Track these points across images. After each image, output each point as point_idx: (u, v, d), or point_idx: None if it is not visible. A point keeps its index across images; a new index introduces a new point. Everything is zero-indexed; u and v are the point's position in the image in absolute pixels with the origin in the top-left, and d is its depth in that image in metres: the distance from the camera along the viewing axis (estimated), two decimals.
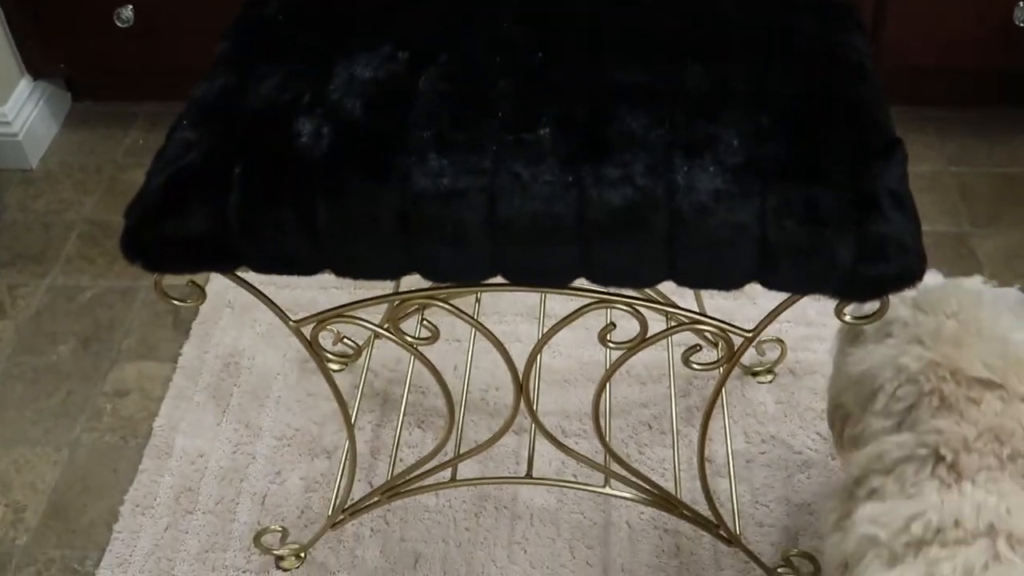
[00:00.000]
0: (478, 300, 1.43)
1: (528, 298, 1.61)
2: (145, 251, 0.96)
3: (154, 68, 1.98)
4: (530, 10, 1.07)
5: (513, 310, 1.61)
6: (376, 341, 1.55)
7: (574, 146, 0.92)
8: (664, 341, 1.46)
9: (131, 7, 1.84)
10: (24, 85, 1.97)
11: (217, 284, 1.70)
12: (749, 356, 1.53)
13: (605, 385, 1.09)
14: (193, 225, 0.93)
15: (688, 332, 1.15)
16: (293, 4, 1.12)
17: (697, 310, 1.20)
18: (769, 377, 1.51)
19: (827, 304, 1.61)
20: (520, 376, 1.10)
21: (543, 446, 1.42)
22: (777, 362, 1.51)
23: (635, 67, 0.98)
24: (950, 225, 1.76)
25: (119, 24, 1.84)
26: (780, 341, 1.49)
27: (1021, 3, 1.71)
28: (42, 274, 1.77)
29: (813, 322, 1.57)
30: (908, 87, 1.92)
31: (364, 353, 1.53)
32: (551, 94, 0.96)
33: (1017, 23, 1.72)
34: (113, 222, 1.85)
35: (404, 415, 1.44)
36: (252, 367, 1.58)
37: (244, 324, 1.64)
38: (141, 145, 2.02)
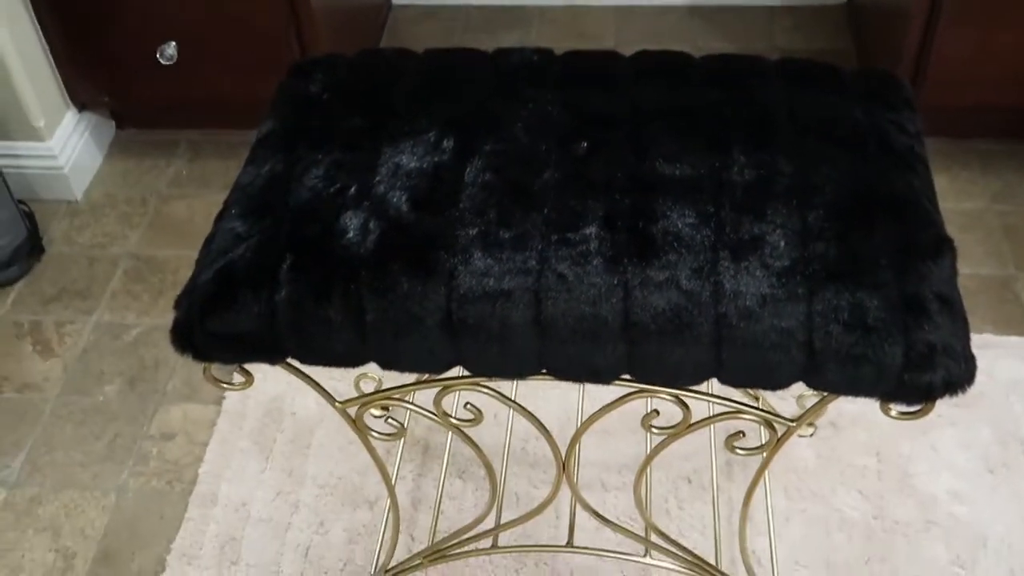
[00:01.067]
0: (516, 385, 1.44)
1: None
2: (195, 345, 0.97)
3: (196, 101, 2.00)
4: (575, 89, 1.07)
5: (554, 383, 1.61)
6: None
7: (620, 245, 0.92)
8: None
9: (175, 44, 1.85)
10: (70, 118, 1.99)
11: None
12: (790, 407, 1.52)
13: (646, 468, 1.10)
14: (242, 322, 0.94)
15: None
16: (338, 80, 1.12)
17: (739, 400, 1.20)
18: (810, 431, 1.51)
19: None
20: (563, 456, 1.11)
21: (582, 515, 1.43)
22: (818, 415, 1.51)
23: (680, 155, 0.98)
24: (995, 268, 1.74)
25: (162, 61, 1.86)
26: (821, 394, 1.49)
27: None
28: (88, 311, 1.80)
29: None
30: (952, 120, 1.90)
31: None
32: (597, 188, 0.96)
33: None
34: (157, 257, 1.88)
35: (447, 466, 1.45)
36: (295, 412, 1.60)
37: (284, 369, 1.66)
38: (185, 176, 2.03)
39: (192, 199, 1.98)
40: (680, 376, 0.94)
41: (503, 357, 0.94)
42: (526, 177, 0.98)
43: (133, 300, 1.82)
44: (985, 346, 1.59)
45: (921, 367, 0.88)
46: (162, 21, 1.83)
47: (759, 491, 1.41)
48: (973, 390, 1.54)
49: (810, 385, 0.93)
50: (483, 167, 0.99)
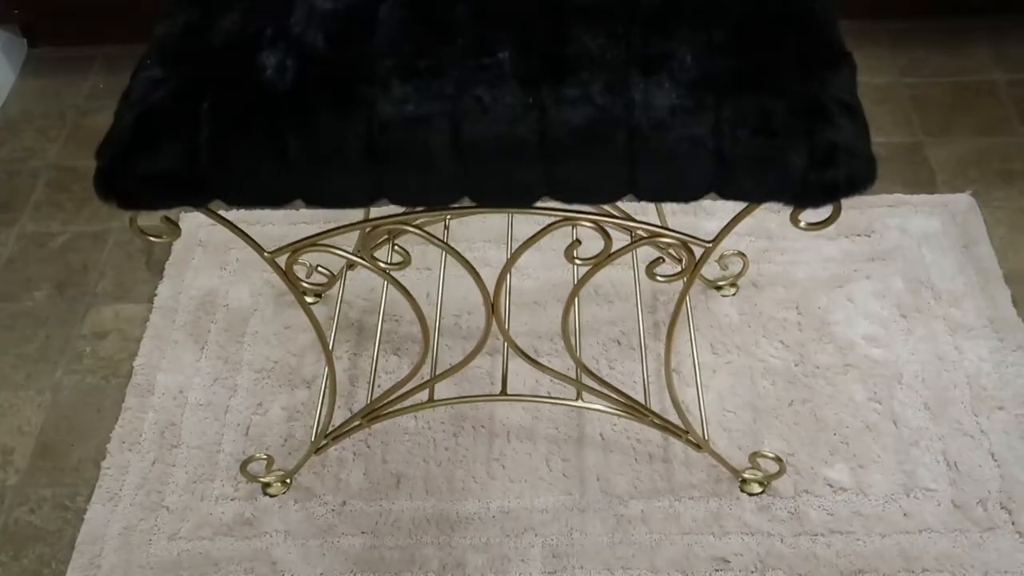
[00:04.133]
0: (447, 227, 1.46)
1: (495, 224, 1.64)
2: (119, 190, 0.97)
3: (112, 8, 1.97)
4: None
5: (481, 236, 1.64)
6: (348, 273, 1.58)
7: (534, 68, 0.94)
8: (629, 260, 1.51)
9: None
10: None
11: (189, 224, 1.72)
12: (712, 271, 1.57)
13: (574, 300, 1.13)
14: (165, 161, 0.95)
15: (652, 248, 1.19)
16: None
17: (659, 223, 1.23)
18: (732, 290, 1.56)
19: (786, 217, 1.66)
20: (491, 296, 1.14)
21: (516, 366, 1.47)
22: (740, 275, 1.56)
23: None
24: (904, 135, 1.80)
25: None
26: (742, 255, 1.54)
27: None
28: (11, 222, 1.78)
29: (774, 235, 1.62)
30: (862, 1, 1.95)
31: (337, 285, 1.56)
32: (509, 18, 0.98)
33: None
34: (80, 167, 1.86)
35: (380, 343, 1.48)
36: (227, 304, 1.61)
37: (217, 263, 1.67)
38: (102, 89, 2.01)
39: (112, 110, 1.95)
40: (598, 192, 0.97)
41: (425, 184, 0.96)
42: (439, 12, 1.00)
43: (57, 209, 1.80)
44: (898, 204, 1.66)
45: (824, 165, 0.91)
46: None
47: (686, 346, 1.46)
48: (887, 244, 1.61)
49: (721, 194, 0.96)
50: (396, 4, 1.00)
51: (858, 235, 1.61)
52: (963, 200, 1.66)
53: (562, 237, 1.60)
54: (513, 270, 1.60)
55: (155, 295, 1.64)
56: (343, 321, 1.57)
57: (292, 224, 1.67)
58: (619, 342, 1.51)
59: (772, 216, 1.64)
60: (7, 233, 1.77)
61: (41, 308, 1.65)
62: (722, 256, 1.55)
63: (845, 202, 1.69)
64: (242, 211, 1.01)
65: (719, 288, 1.56)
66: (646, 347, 1.46)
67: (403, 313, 1.56)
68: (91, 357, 1.58)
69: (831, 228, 1.61)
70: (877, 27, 1.99)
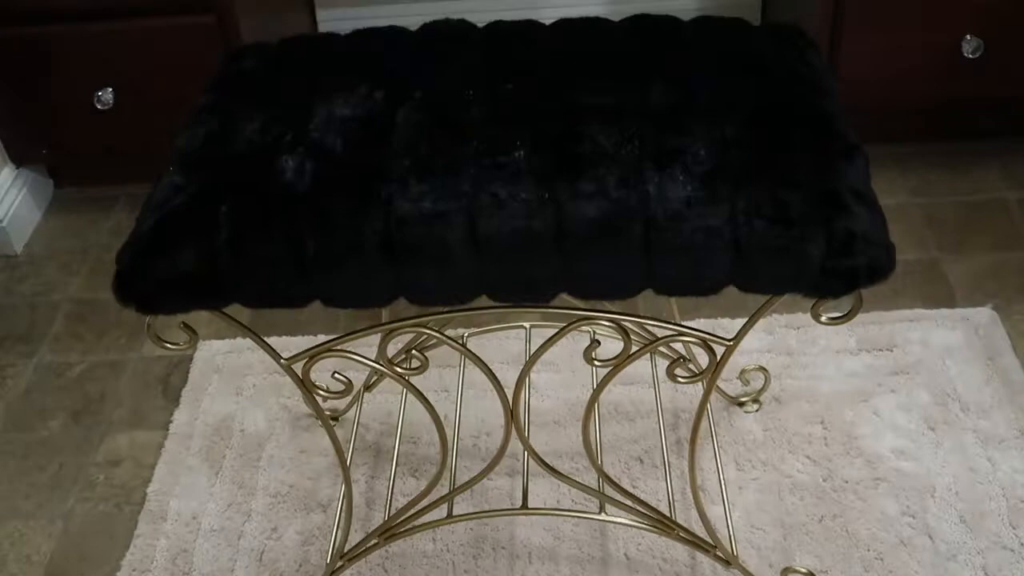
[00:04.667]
0: (464, 344, 1.45)
1: (513, 345, 1.64)
2: (137, 293, 0.98)
3: (136, 148, 2.02)
4: (498, 46, 1.12)
5: (499, 358, 1.63)
6: (366, 396, 1.57)
7: (548, 165, 0.96)
8: (650, 377, 1.49)
9: (111, 89, 1.88)
10: (7, 173, 2.00)
11: (205, 352, 1.72)
12: (734, 387, 1.55)
13: (594, 404, 1.11)
14: (184, 264, 0.96)
15: (670, 354, 1.18)
16: (270, 56, 1.16)
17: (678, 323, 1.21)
18: (755, 406, 1.53)
19: (807, 332, 1.65)
20: (510, 402, 1.12)
21: (536, 487, 1.44)
22: (762, 391, 1.54)
23: (602, 89, 1.02)
24: (920, 252, 1.80)
25: (99, 107, 1.89)
26: (763, 369, 1.52)
27: (968, 37, 1.79)
28: (30, 353, 1.79)
29: (794, 351, 1.60)
30: (866, 125, 1.97)
31: (354, 408, 1.54)
32: (523, 119, 1.00)
33: (966, 55, 1.80)
34: (100, 299, 1.88)
35: (397, 464, 1.45)
36: (243, 429, 1.59)
37: (233, 389, 1.65)
38: (125, 227, 2.04)
39: None
40: (615, 286, 0.97)
41: (442, 280, 0.96)
42: (455, 114, 1.02)
43: (76, 341, 1.81)
44: (918, 319, 1.65)
45: (843, 253, 0.91)
46: (97, 67, 1.87)
47: (710, 463, 1.43)
48: (910, 358, 1.59)
49: (740, 287, 0.96)
50: (413, 109, 1.03)
51: (880, 350, 1.59)
52: (984, 313, 1.64)
53: (579, 356, 1.59)
54: (531, 391, 1.58)
55: (171, 421, 1.62)
56: (360, 444, 1.54)
57: (311, 336, 1.67)
58: (641, 460, 1.48)
59: (792, 332, 1.62)
60: (25, 364, 1.77)
61: (56, 437, 1.64)
62: (743, 371, 1.53)
63: (865, 317, 1.69)
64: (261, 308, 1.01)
65: (741, 404, 1.54)
66: (669, 464, 1.42)
67: (421, 435, 1.54)
68: (104, 485, 1.55)
69: (853, 343, 1.61)
70: (884, 151, 2.01)
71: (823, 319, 1.00)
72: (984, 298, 1.69)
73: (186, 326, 1.06)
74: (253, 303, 1.00)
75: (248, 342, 1.72)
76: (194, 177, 1.01)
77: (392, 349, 1.09)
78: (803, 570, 1.27)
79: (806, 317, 1.65)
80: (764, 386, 1.53)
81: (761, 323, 1.63)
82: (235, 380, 1.67)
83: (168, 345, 1.06)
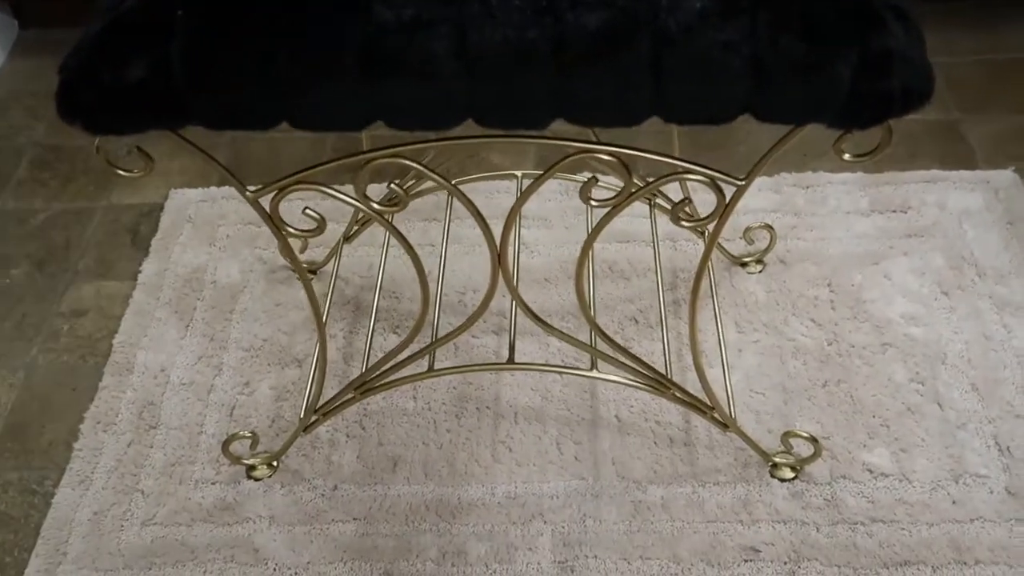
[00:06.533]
0: (449, 196, 1.35)
1: (504, 200, 1.53)
2: (82, 107, 0.87)
3: None
4: None
5: (488, 212, 1.52)
6: (346, 248, 1.48)
7: None
8: (646, 235, 1.40)
9: None
10: None
11: (177, 200, 1.62)
12: (737, 246, 1.46)
13: (589, 250, 1.02)
14: (134, 73, 0.85)
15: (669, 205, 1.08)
16: None
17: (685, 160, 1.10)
18: (759, 267, 1.45)
19: (817, 192, 1.55)
20: (497, 245, 1.03)
21: (524, 345, 1.36)
22: (766, 251, 1.45)
23: None
24: (940, 113, 1.69)
25: None
26: (769, 227, 1.42)
27: None
28: None
29: (802, 211, 1.51)
30: None
31: (333, 260, 1.45)
32: None
33: None
34: (66, 145, 1.77)
35: (377, 320, 1.37)
36: (215, 280, 1.50)
37: (205, 239, 1.56)
38: None
39: None
40: (618, 111, 0.86)
41: (425, 98, 0.85)
42: None
43: (40, 187, 1.70)
44: (935, 180, 1.55)
45: (878, 73, 0.81)
46: None
47: (709, 324, 1.35)
48: (925, 220, 1.50)
49: (758, 115, 0.85)
50: None
51: (893, 211, 1.50)
52: (1006, 176, 1.54)
53: (573, 212, 1.50)
54: (522, 246, 1.49)
55: (139, 272, 1.53)
56: (338, 298, 1.46)
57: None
58: (636, 320, 1.40)
59: (800, 192, 1.53)
60: None
61: (18, 286, 1.55)
62: (747, 230, 1.44)
63: (879, 178, 1.59)
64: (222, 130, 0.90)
65: (744, 265, 1.45)
66: (666, 324, 1.34)
67: (403, 291, 1.45)
68: (68, 335, 1.47)
69: (865, 203, 1.52)
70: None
71: (846, 156, 0.90)
72: (1006, 160, 1.59)
73: (140, 150, 0.95)
74: (213, 122, 0.89)
75: (223, 190, 1.62)
76: None
77: (374, 192, 0.99)
78: (804, 434, 1.20)
79: (816, 176, 1.56)
80: (769, 246, 1.44)
81: (768, 181, 1.54)
82: (208, 230, 1.57)
83: (120, 171, 0.96)
